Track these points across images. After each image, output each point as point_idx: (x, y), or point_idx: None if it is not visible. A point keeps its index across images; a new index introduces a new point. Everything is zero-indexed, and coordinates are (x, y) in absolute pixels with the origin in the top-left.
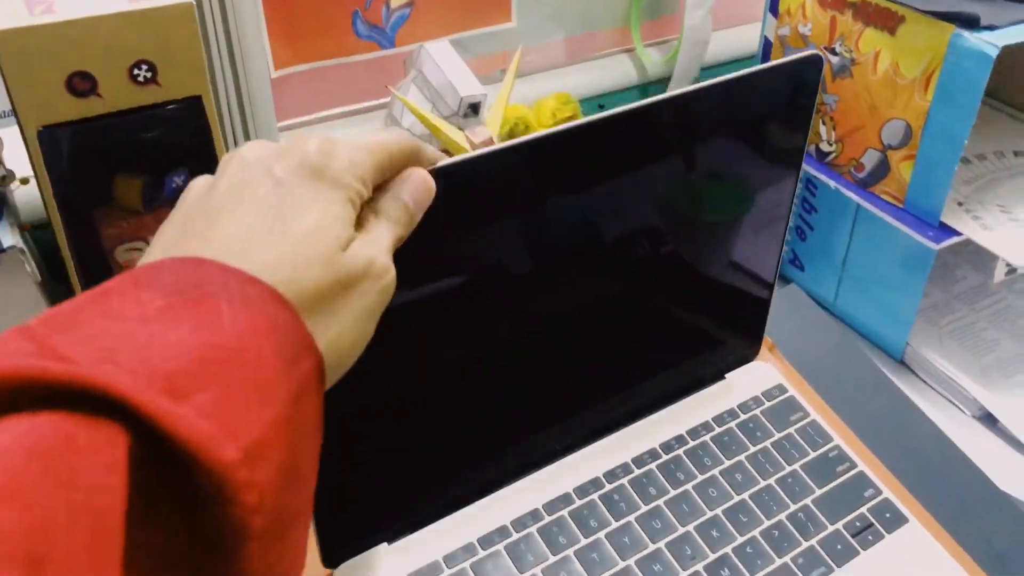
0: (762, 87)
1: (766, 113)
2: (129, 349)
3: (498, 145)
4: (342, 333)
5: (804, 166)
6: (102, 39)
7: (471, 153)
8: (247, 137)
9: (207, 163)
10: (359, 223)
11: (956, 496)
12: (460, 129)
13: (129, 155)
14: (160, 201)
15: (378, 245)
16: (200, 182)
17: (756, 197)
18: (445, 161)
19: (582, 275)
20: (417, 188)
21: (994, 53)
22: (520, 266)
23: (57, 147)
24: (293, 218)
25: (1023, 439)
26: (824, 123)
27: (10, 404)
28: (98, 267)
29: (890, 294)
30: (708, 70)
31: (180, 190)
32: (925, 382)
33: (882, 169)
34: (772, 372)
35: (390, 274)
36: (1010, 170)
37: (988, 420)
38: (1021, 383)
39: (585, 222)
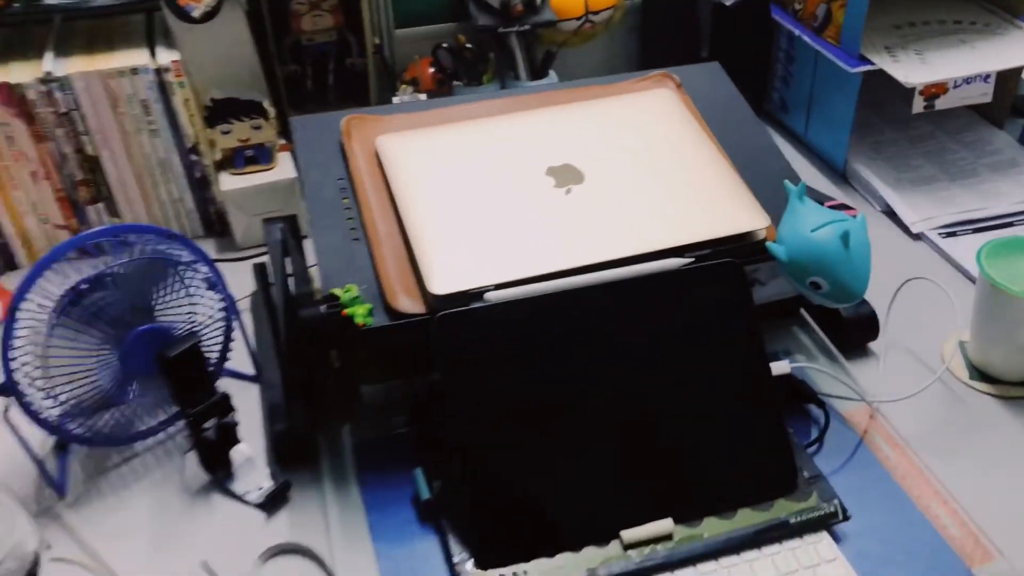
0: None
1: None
2: None
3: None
4: None
5: (782, 22)
6: None
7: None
8: None
9: None
10: None
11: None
12: None
13: None
14: None
15: None
16: None
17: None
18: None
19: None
20: None
21: None
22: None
23: None
24: None
25: (908, 222)
26: None
27: None
28: None
29: (833, 119)
30: None
31: None
32: (855, 188)
33: (827, 17)
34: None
35: None
36: (942, 32)
37: (890, 214)
38: (924, 192)
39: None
